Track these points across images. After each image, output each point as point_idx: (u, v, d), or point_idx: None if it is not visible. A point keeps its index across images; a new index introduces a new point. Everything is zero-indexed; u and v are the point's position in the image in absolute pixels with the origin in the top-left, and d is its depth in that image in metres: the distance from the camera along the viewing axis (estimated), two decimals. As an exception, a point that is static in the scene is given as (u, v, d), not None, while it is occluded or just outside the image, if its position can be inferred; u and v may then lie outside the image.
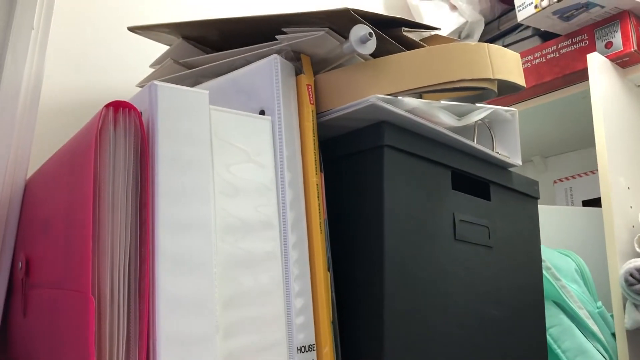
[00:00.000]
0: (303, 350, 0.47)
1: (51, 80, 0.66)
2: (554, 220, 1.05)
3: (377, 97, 0.51)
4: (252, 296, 0.44)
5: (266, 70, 0.53)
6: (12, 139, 0.56)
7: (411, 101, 0.54)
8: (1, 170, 0.54)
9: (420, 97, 0.63)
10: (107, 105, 0.40)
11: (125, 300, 0.38)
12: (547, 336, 0.77)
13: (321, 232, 0.51)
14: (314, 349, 0.48)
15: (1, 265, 0.51)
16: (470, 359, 0.57)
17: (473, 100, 0.64)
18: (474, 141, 0.63)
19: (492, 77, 0.57)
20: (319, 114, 0.56)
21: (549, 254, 0.85)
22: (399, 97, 0.53)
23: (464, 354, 0.56)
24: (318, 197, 0.52)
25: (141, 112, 0.43)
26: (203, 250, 0.42)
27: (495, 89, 0.59)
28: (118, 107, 0.41)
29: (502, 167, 0.68)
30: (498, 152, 0.66)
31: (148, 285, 0.39)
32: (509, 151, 0.68)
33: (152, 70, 0.70)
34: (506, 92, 0.63)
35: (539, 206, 0.74)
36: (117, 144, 0.40)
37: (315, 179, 0.52)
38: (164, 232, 0.40)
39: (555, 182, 1.30)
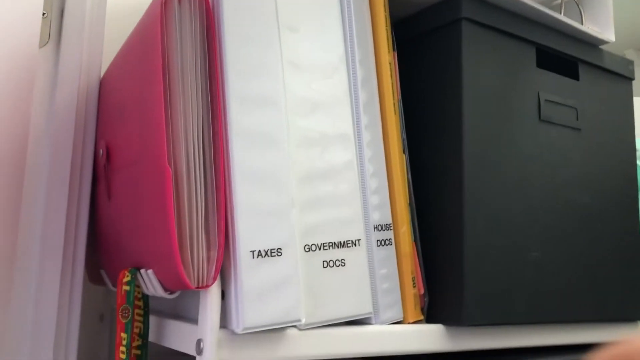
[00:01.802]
0: (380, 229, 0.46)
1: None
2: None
3: (452, -37, 0.47)
4: (326, 173, 0.44)
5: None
6: (83, 38, 0.56)
7: (491, -33, 0.50)
8: (75, 70, 0.55)
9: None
10: (170, -23, 0.39)
11: (201, 173, 0.38)
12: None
13: (395, 113, 0.49)
14: (391, 228, 0.47)
15: (85, 156, 0.53)
16: (557, 243, 0.55)
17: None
18: (560, 14, 0.58)
19: None
20: (389, -11, 0.52)
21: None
22: (477, -37, 0.49)
23: (549, 238, 0.54)
24: (391, 77, 0.50)
25: (205, -13, 0.41)
26: (275, 124, 0.41)
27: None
28: (181, -21, 0.39)
29: (592, 44, 0.62)
30: (588, 27, 0.60)
31: (223, 158, 0.39)
32: (600, 26, 0.62)
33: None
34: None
35: (634, 98, 0.68)
36: (183, 18, 0.39)
37: (388, 57, 0.49)
38: (235, 105, 0.40)
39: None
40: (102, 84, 0.55)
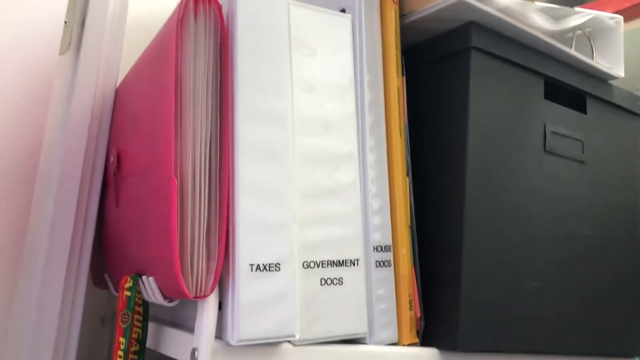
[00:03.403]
0: (380, 250, 0.47)
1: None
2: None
3: (464, -6, 0.48)
4: (329, 192, 0.44)
5: (348, -32, 0.51)
6: (102, 47, 0.58)
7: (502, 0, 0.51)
8: (93, 77, 0.56)
9: (513, -3, 0.58)
10: (188, -5, 0.40)
11: (206, 186, 0.39)
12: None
13: (401, 136, 0.50)
14: (391, 249, 0.48)
15: (96, 162, 0.54)
16: (556, 274, 0.55)
17: (572, 2, 0.59)
18: (571, 49, 0.59)
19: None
20: (402, 15, 0.53)
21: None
22: (488, -5, 0.50)
23: (549, 268, 0.54)
24: (399, 101, 0.51)
25: (221, 5, 0.43)
26: (280, 141, 0.42)
27: (599, -14, 0.53)
28: (198, -3, 0.41)
29: (601, 78, 0.62)
30: (598, 62, 0.61)
31: (228, 172, 0.40)
32: (610, 62, 0.63)
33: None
34: (611, -8, 0.57)
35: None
36: (198, 34, 0.41)
37: (397, 81, 0.51)
38: (243, 120, 0.41)
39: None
40: (118, 92, 0.57)
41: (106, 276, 0.56)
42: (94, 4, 0.58)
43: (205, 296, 0.38)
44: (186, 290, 0.37)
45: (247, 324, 0.38)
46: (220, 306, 0.40)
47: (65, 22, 0.55)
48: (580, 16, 0.58)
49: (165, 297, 0.42)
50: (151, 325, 0.49)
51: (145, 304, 0.45)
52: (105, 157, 0.54)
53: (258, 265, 0.39)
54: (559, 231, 0.56)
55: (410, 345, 0.48)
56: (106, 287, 0.57)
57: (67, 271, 0.52)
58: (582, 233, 0.58)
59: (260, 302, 0.39)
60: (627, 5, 0.93)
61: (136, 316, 0.45)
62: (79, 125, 0.54)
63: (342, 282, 0.44)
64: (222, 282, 0.40)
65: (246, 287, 0.39)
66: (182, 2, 0.40)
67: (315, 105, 0.45)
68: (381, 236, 0.47)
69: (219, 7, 0.42)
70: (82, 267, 0.53)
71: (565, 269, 0.56)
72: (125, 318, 0.45)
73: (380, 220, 0.47)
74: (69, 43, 0.56)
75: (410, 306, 0.48)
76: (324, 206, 0.44)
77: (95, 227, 0.55)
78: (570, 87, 0.59)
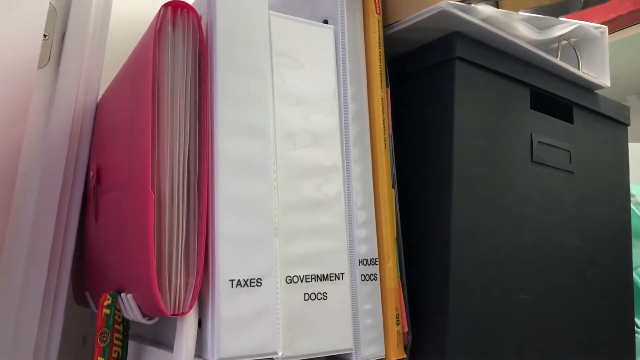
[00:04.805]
0: (365, 263, 0.46)
1: (119, 2, 0.66)
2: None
3: (448, 4, 0.48)
4: (313, 205, 0.43)
5: (330, -21, 0.51)
6: (83, 61, 0.57)
7: (486, 9, 0.50)
8: (73, 91, 0.56)
9: (497, 7, 0.58)
10: (165, 5, 0.40)
11: (184, 199, 0.38)
12: (635, 275, 0.72)
13: (386, 148, 0.49)
14: (377, 262, 0.47)
15: (76, 178, 0.53)
16: (546, 285, 0.54)
17: (556, 12, 0.58)
18: (557, 58, 0.58)
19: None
20: (386, 26, 0.53)
21: (639, 190, 0.78)
22: (472, 5, 0.50)
23: (538, 281, 0.53)
24: (383, 112, 0.50)
25: (200, 16, 0.42)
26: (261, 154, 0.41)
27: (582, -4, 0.53)
28: (177, 7, 0.40)
29: (588, 88, 0.62)
30: (584, 72, 0.61)
31: (207, 185, 0.39)
32: (596, 72, 0.63)
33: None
34: (593, 2, 0.57)
35: (631, 144, 0.68)
36: (176, 45, 0.40)
37: (381, 93, 0.50)
38: (223, 133, 0.40)
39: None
40: (99, 106, 0.56)
41: (87, 294, 0.55)
42: (74, 17, 0.57)
43: (183, 313, 0.37)
44: (163, 308, 0.36)
45: (227, 342, 0.37)
46: (200, 323, 0.39)
47: (45, 35, 0.55)
48: (565, 26, 0.58)
49: (144, 315, 0.41)
50: (132, 344, 0.48)
51: (125, 322, 0.44)
52: (86, 172, 0.53)
53: (239, 280, 0.38)
54: (548, 242, 0.55)
55: (397, 361, 0.47)
56: (88, 305, 0.56)
57: (46, 289, 0.51)
58: (571, 244, 0.57)
59: (241, 318, 0.38)
60: (613, 15, 0.93)
61: (115, 334, 0.44)
62: (59, 140, 0.53)
63: (327, 297, 0.43)
64: (202, 298, 0.39)
65: (226, 303, 0.38)
66: (159, 12, 0.40)
67: (300, 117, 0.44)
68: (367, 249, 0.46)
69: (198, 18, 0.41)
70: (62, 285, 0.52)
71: (555, 281, 0.55)
72: (104, 337, 0.43)
73: (365, 233, 0.46)
74: (49, 57, 0.55)
75: (397, 321, 0.47)
76: (308, 219, 0.43)
77: (75, 243, 0.53)
78: (557, 96, 0.59)
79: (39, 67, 0.54)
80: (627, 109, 0.67)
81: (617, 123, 0.65)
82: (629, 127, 0.67)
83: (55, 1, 0.57)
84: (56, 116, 0.53)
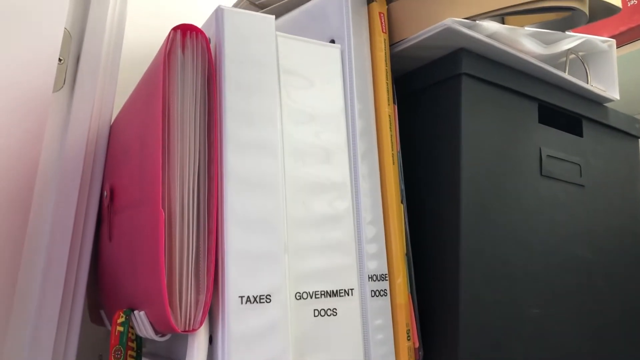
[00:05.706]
0: (375, 279, 0.46)
1: (132, 26, 0.68)
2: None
3: (453, 21, 0.49)
4: (322, 221, 0.44)
5: (337, -1, 0.52)
6: (97, 84, 0.58)
7: (491, 25, 0.51)
8: (87, 114, 0.57)
9: (502, 22, 0.59)
10: (175, 29, 0.41)
11: (194, 217, 0.39)
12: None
13: (394, 164, 0.50)
14: (387, 278, 0.47)
15: (90, 198, 0.54)
16: (558, 300, 0.54)
17: (562, 27, 0.59)
18: (565, 72, 0.58)
19: (582, -4, 0.52)
20: (392, 44, 0.54)
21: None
22: (477, 21, 0.50)
23: (550, 294, 0.53)
24: (390, 129, 0.50)
25: (209, 39, 0.43)
26: (270, 171, 0.42)
27: (586, 10, 0.54)
28: (186, 30, 0.41)
29: (597, 102, 0.62)
30: (593, 85, 0.61)
31: (217, 203, 0.40)
32: (605, 85, 0.63)
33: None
34: (600, 16, 0.57)
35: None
36: (185, 67, 0.41)
37: (388, 109, 0.50)
38: (231, 151, 0.41)
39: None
40: (112, 127, 0.57)
41: (102, 312, 0.55)
42: (88, 41, 0.58)
43: (194, 330, 0.38)
44: (174, 324, 0.37)
45: (237, 358, 0.38)
46: (211, 340, 0.39)
47: (60, 59, 0.56)
48: (572, 40, 0.59)
49: (156, 332, 0.41)
50: (145, 362, 0.48)
51: (139, 340, 0.45)
52: (100, 192, 0.54)
53: (248, 297, 0.39)
54: (560, 256, 0.55)
55: (409, 377, 0.46)
56: (103, 324, 0.57)
57: (62, 308, 0.52)
58: (582, 257, 0.57)
59: (251, 335, 0.38)
60: (623, 28, 0.93)
61: (129, 352, 0.44)
62: (74, 161, 0.54)
63: (337, 313, 0.43)
64: (212, 315, 0.39)
65: (236, 320, 0.38)
66: (169, 35, 0.41)
67: (308, 134, 0.45)
68: (377, 265, 0.46)
69: (207, 40, 0.42)
70: (77, 304, 0.53)
71: (566, 295, 0.55)
72: (118, 354, 0.44)
73: (375, 249, 0.47)
74: (64, 80, 0.57)
75: (408, 336, 0.47)
76: (317, 235, 0.43)
77: (90, 263, 0.54)
78: (565, 110, 0.59)
79: (55, 91, 0.56)
80: (638, 121, 0.66)
81: (628, 135, 0.65)
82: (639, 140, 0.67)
83: (70, 26, 0.58)
84: (71, 138, 0.54)
